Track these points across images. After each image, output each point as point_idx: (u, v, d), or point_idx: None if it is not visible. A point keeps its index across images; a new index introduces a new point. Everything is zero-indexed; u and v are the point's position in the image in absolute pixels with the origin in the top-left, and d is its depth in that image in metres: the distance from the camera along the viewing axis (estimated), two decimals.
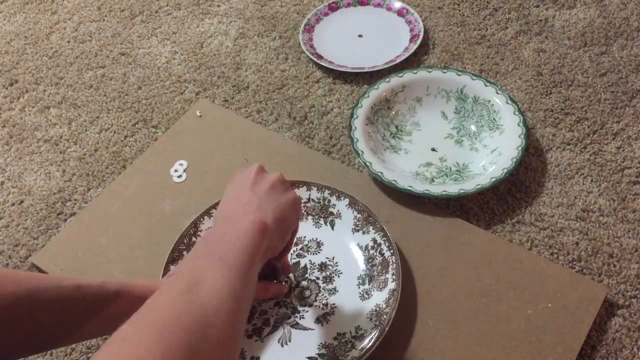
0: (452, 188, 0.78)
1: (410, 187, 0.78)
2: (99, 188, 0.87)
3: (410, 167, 0.84)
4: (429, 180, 0.82)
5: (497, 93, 0.87)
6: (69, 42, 1.11)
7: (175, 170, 0.87)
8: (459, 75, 0.90)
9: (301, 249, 0.76)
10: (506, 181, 0.82)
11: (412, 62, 1.00)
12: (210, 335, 0.38)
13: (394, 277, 0.70)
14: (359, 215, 0.76)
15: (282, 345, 0.68)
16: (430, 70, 0.92)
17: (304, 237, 0.77)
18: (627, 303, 0.70)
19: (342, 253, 0.75)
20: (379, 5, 1.10)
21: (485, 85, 0.88)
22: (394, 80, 0.91)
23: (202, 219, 0.76)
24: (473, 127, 0.88)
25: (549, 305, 0.69)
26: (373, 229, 0.75)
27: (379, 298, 0.69)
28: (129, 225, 0.81)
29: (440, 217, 0.78)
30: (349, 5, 1.11)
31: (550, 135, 0.87)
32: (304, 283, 0.73)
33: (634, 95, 0.91)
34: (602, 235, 0.76)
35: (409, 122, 0.90)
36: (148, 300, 0.40)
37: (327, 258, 0.75)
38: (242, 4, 1.14)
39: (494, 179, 0.78)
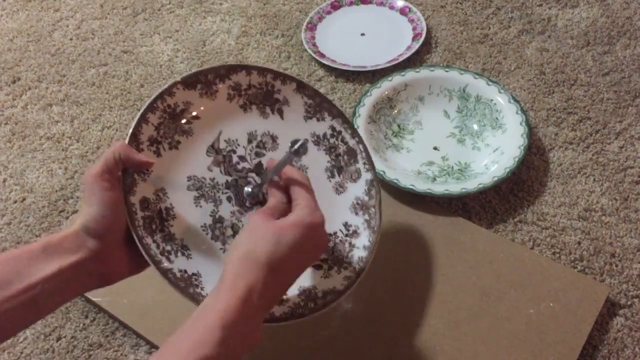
0: (454, 187, 0.78)
1: (412, 186, 0.78)
2: None
3: (412, 166, 0.84)
4: (430, 179, 0.82)
5: (500, 92, 0.87)
6: (71, 39, 1.11)
7: None
8: (461, 74, 0.90)
9: (257, 146, 0.67)
10: (508, 180, 0.82)
11: (414, 60, 1.00)
12: None
13: (366, 166, 0.67)
14: (310, 101, 0.68)
15: None
16: (432, 69, 0.92)
17: (255, 132, 0.67)
18: (629, 303, 0.70)
19: None
20: (381, 3, 1.10)
21: (488, 84, 0.88)
22: (397, 79, 0.91)
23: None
24: (475, 126, 0.88)
25: (551, 304, 0.69)
26: (329, 115, 0.68)
27: (356, 190, 0.67)
28: None
29: (442, 216, 0.78)
30: (351, 3, 1.10)
31: (553, 135, 0.87)
32: None
33: (637, 94, 0.91)
34: (604, 234, 0.76)
35: (411, 120, 0.90)
36: None
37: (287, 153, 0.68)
38: (244, 2, 1.14)
39: (496, 178, 0.78)
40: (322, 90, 0.97)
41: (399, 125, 0.90)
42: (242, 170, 0.65)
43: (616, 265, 0.73)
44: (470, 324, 0.68)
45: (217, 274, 0.52)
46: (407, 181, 0.79)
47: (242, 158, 0.66)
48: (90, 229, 0.52)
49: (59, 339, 0.72)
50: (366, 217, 0.66)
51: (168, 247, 0.58)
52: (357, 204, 0.67)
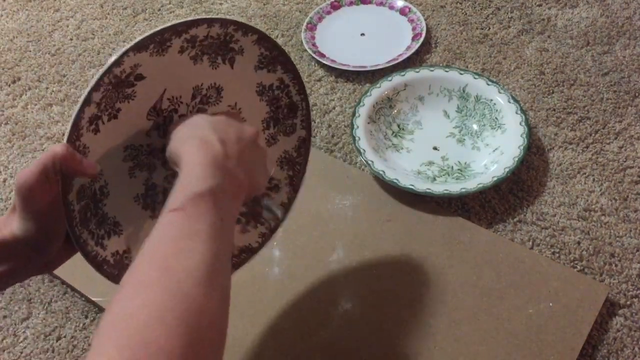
0: (453, 187, 0.78)
1: (412, 185, 0.78)
2: None
3: (412, 166, 0.84)
4: (430, 179, 0.82)
5: (500, 92, 0.87)
6: (71, 39, 1.11)
7: None
8: (461, 74, 0.90)
9: (200, 101, 0.62)
10: (508, 180, 0.82)
11: (414, 60, 1.00)
12: (197, 312, 0.37)
13: (303, 124, 0.67)
14: (267, 53, 0.63)
15: None
16: (432, 69, 0.92)
17: (201, 85, 0.61)
18: (628, 303, 0.70)
19: (245, 97, 0.65)
20: (381, 3, 1.10)
21: (488, 84, 0.88)
22: (396, 79, 0.91)
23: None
24: (475, 126, 0.88)
25: (550, 304, 0.69)
26: (282, 68, 0.64)
27: (286, 144, 0.67)
28: None
29: (442, 216, 0.78)
30: (351, 3, 1.10)
31: (553, 135, 0.87)
32: None
33: (637, 94, 0.91)
34: (603, 234, 0.76)
35: (411, 120, 0.90)
36: (126, 287, 0.38)
37: (229, 106, 0.64)
38: (244, 2, 1.14)
39: (495, 178, 0.78)
40: (321, 91, 0.97)
41: (398, 125, 0.90)
42: None
43: (616, 265, 0.73)
44: (470, 324, 0.68)
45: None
46: (406, 181, 0.79)
47: (184, 117, 0.59)
48: (29, 241, 0.47)
49: (59, 338, 0.72)
50: (290, 172, 0.66)
51: (101, 232, 0.55)
52: (285, 157, 0.67)
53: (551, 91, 0.93)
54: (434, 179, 0.82)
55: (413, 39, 1.02)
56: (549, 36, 1.01)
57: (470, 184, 0.78)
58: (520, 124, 0.83)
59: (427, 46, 1.02)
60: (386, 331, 0.68)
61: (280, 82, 0.65)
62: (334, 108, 0.94)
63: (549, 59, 0.97)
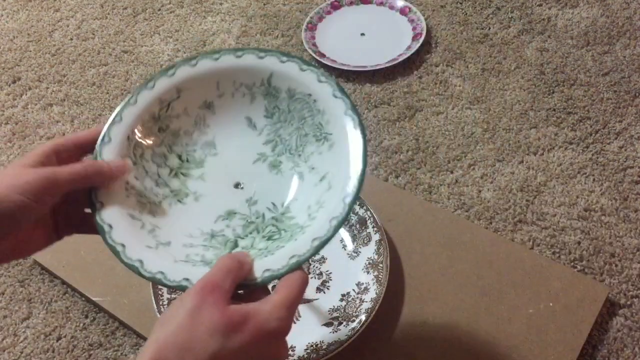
0: (266, 261, 0.46)
1: (188, 279, 0.46)
2: None
3: (203, 225, 0.53)
4: (230, 243, 0.51)
5: (320, 81, 0.54)
6: (71, 39, 1.11)
7: None
8: (261, 57, 0.56)
9: None
10: (508, 180, 0.82)
11: (414, 60, 1.00)
12: None
13: (375, 229, 0.73)
14: None
15: (294, 322, 0.67)
16: (216, 56, 0.56)
17: None
18: (628, 303, 0.70)
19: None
20: (381, 3, 1.10)
21: (302, 70, 0.55)
22: (161, 83, 0.56)
23: None
24: (293, 138, 0.56)
25: (551, 304, 0.69)
26: None
27: (368, 252, 0.72)
28: None
29: (442, 216, 0.78)
30: (351, 3, 1.10)
31: (553, 135, 0.87)
32: None
33: (637, 94, 0.91)
34: (604, 234, 0.76)
35: (199, 144, 0.57)
36: None
37: None
38: (244, 2, 1.14)
39: (317, 241, 0.46)
40: None
41: (179, 157, 0.56)
42: None
43: (616, 265, 0.73)
44: (469, 324, 0.68)
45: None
46: (176, 275, 0.46)
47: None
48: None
49: (59, 338, 0.72)
50: (376, 273, 0.70)
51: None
52: (369, 263, 0.72)
53: (551, 91, 0.93)
54: (236, 242, 0.51)
55: (413, 39, 1.02)
56: (549, 36, 1.01)
57: (282, 256, 0.46)
58: (355, 128, 0.51)
59: (427, 46, 1.02)
60: (386, 331, 0.68)
61: None
62: None
63: (549, 59, 0.97)
